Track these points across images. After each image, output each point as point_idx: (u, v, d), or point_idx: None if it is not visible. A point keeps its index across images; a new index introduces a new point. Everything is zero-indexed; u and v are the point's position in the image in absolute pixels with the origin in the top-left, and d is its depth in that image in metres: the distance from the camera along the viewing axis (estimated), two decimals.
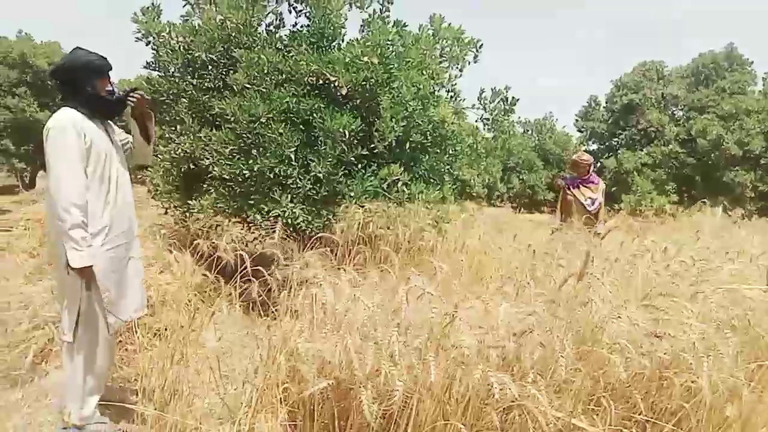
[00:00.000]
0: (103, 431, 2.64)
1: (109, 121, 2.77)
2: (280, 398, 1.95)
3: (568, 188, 6.16)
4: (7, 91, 13.43)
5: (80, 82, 2.57)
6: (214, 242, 2.68)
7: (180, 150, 5.27)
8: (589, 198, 5.99)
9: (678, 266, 2.73)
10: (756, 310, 2.03)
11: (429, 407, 1.66)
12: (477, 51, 5.52)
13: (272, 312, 2.51)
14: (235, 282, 2.69)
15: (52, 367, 3.40)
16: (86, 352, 2.55)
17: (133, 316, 2.90)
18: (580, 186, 6.07)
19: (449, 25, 5.44)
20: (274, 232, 5.28)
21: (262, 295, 2.54)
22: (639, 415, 1.78)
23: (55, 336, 3.50)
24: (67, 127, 2.43)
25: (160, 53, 5.66)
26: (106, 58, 2.74)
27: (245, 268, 2.58)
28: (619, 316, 1.76)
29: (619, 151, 20.37)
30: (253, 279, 2.54)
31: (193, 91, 5.49)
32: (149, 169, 5.85)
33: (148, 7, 5.66)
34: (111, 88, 2.68)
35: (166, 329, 4.19)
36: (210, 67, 5.54)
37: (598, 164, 20.88)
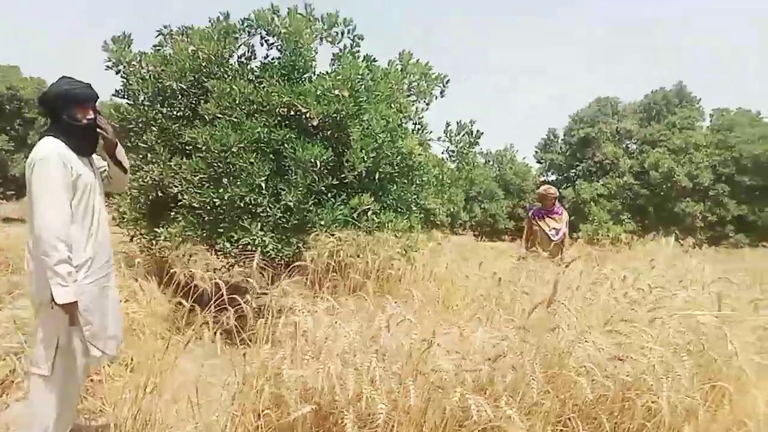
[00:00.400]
0: None
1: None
2: (258, 425, 1.98)
3: (534, 219, 6.36)
4: None
5: (59, 110, 2.53)
6: (190, 270, 2.69)
7: (148, 177, 5.25)
8: (554, 228, 6.22)
9: (636, 293, 2.89)
10: (708, 334, 2.18)
11: (408, 430, 1.72)
12: (444, 86, 5.73)
13: (247, 341, 2.53)
14: (209, 310, 2.71)
15: (12, 399, 3.30)
16: (60, 384, 2.50)
17: (114, 353, 2.84)
18: (545, 217, 6.29)
19: (417, 61, 5.64)
20: (242, 260, 5.28)
21: (236, 324, 2.55)
22: None
23: (24, 367, 3.39)
24: (51, 158, 2.37)
25: (130, 81, 5.67)
26: (89, 87, 2.71)
27: (221, 296, 2.59)
28: (585, 341, 1.87)
29: (576, 182, 21.08)
30: (229, 307, 2.56)
31: (163, 120, 5.51)
32: (116, 196, 5.79)
33: (119, 36, 5.69)
34: (92, 116, 2.64)
35: (132, 359, 4.13)
36: (180, 96, 5.58)
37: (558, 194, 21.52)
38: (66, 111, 2.56)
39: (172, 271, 5.68)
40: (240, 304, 2.59)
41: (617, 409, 1.98)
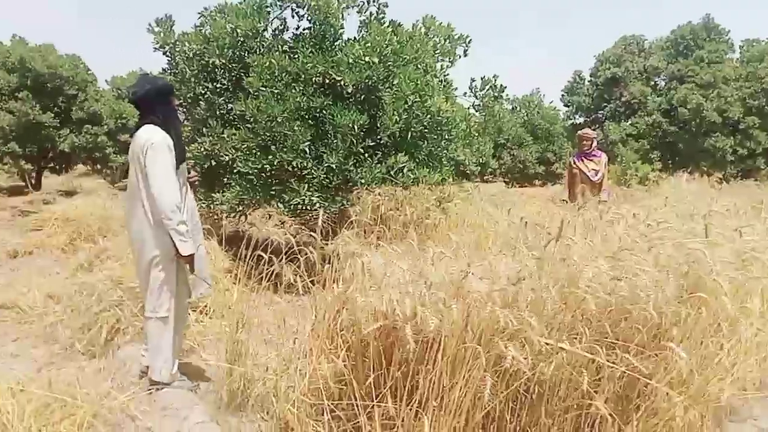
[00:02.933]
0: (185, 387, 3.25)
1: None
2: (339, 343, 2.56)
3: (574, 162, 6.77)
4: (9, 95, 13.77)
5: (161, 104, 3.06)
6: (266, 228, 3.24)
7: (202, 148, 5.82)
8: (593, 170, 6.65)
9: (644, 228, 3.34)
10: (696, 258, 2.65)
11: (453, 339, 2.27)
12: (466, 45, 6.07)
13: (317, 283, 3.06)
14: (279, 261, 3.27)
15: (122, 342, 4.00)
16: (174, 321, 3.15)
17: (204, 294, 3.49)
18: (584, 159, 6.72)
19: (440, 23, 5.98)
20: (296, 220, 5.84)
21: (299, 272, 3.08)
22: (606, 339, 2.40)
23: (142, 313, 4.05)
24: (164, 144, 2.95)
25: (176, 60, 6.17)
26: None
27: (291, 246, 3.14)
28: (587, 266, 2.37)
29: (604, 124, 21.04)
30: (299, 257, 3.11)
31: (210, 94, 6.03)
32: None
33: (161, 19, 6.16)
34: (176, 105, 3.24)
35: (206, 306, 4.80)
36: (223, 72, 6.07)
37: None
38: (166, 104, 3.11)
39: (229, 231, 6.32)
40: (307, 254, 3.14)
41: (617, 319, 2.49)
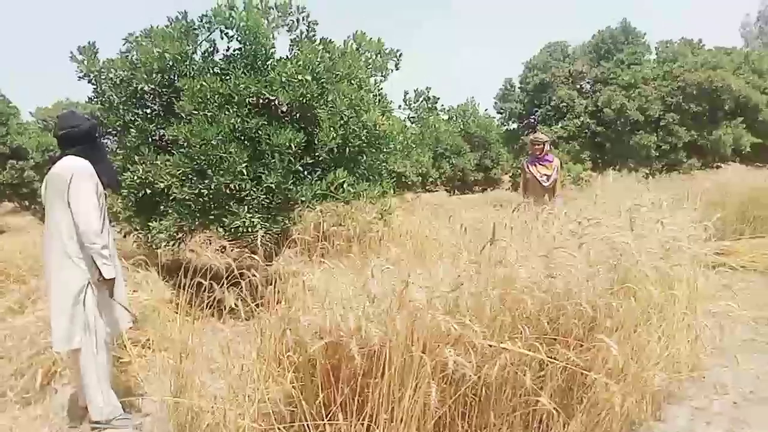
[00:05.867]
0: (129, 425, 3.13)
1: None
2: (286, 365, 2.54)
3: (527, 166, 6.85)
4: None
5: (90, 140, 3.17)
6: (206, 255, 3.18)
7: (135, 176, 5.64)
8: (544, 175, 6.67)
9: (575, 226, 3.49)
10: (622, 250, 2.80)
11: (398, 349, 2.29)
12: (397, 59, 6.19)
13: (261, 305, 3.02)
14: (221, 286, 3.21)
15: (59, 385, 3.80)
16: (93, 353, 3.05)
17: (125, 328, 3.41)
18: (537, 164, 6.76)
19: (370, 39, 6.07)
20: (234, 244, 5.73)
21: (242, 296, 3.04)
22: (546, 335, 2.50)
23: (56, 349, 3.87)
24: (86, 172, 3.04)
25: (103, 88, 5.99)
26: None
27: (232, 271, 3.10)
28: (522, 266, 2.46)
29: (537, 128, 21.77)
30: (241, 281, 3.06)
31: (140, 121, 5.87)
32: (108, 196, 6.18)
33: (84, 47, 5.97)
34: None
35: (148, 340, 4.64)
36: (153, 97, 5.93)
37: (519, 141, 22.22)
38: (95, 140, 3.22)
39: (167, 260, 6.13)
40: (250, 278, 3.10)
41: (555, 315, 2.58)
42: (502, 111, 24.28)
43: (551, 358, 2.46)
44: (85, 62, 5.87)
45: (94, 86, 6.15)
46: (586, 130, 20.51)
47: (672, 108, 19.50)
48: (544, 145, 6.83)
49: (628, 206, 3.46)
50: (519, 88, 23.89)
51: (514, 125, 24.28)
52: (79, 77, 5.91)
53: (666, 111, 19.51)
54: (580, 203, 4.85)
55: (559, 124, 21.19)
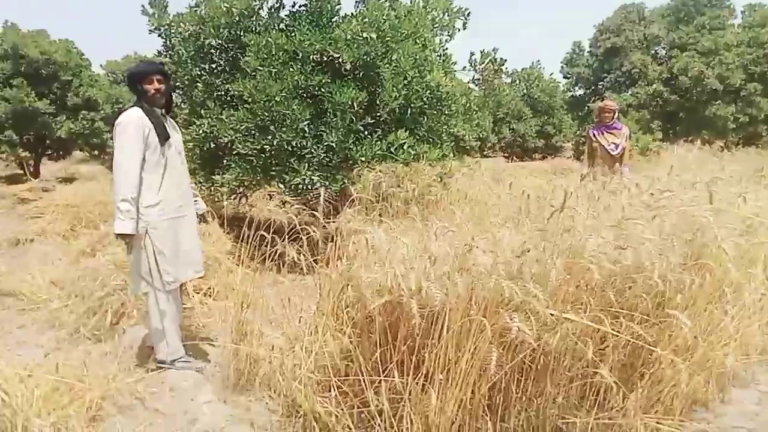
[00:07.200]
0: (191, 367, 3.28)
1: (169, 118, 3.33)
2: (345, 320, 2.57)
3: (594, 135, 6.57)
4: (3, 83, 13.64)
5: (134, 86, 3.20)
6: (268, 209, 3.23)
7: (201, 130, 5.78)
8: (613, 143, 6.38)
9: (648, 197, 3.33)
10: (701, 225, 2.64)
11: (458, 312, 2.27)
12: (465, 18, 5.98)
13: (315, 266, 3.04)
14: (282, 241, 3.26)
15: (127, 325, 4.02)
16: (158, 300, 3.17)
17: (191, 276, 3.50)
18: (605, 132, 6.46)
19: None
20: (295, 200, 5.82)
21: (303, 252, 3.08)
22: (611, 308, 2.41)
23: (130, 295, 4.09)
24: (129, 122, 3.05)
25: (171, 42, 6.09)
26: (152, 63, 3.52)
27: (294, 226, 3.14)
28: (591, 236, 2.36)
29: (605, 94, 20.78)
30: (301, 236, 3.10)
31: (207, 76, 5.96)
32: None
33: (155, 0, 6.07)
34: (157, 86, 3.21)
35: (210, 288, 4.82)
36: (220, 52, 6.00)
37: (585, 108, 21.32)
38: (137, 86, 3.19)
39: (231, 212, 6.31)
40: (310, 234, 3.13)
41: (622, 288, 2.49)
42: (568, 76, 23.26)
43: (615, 331, 2.38)
44: (156, 15, 5.98)
45: (164, 40, 6.28)
46: (658, 99, 19.39)
47: (755, 77, 18.14)
48: (614, 112, 6.52)
49: (707, 179, 3.25)
50: (588, 52, 22.76)
51: (581, 91, 23.26)
52: (150, 31, 6.04)
53: (748, 80, 18.17)
54: (652, 174, 4.60)
55: (629, 92, 20.13)
